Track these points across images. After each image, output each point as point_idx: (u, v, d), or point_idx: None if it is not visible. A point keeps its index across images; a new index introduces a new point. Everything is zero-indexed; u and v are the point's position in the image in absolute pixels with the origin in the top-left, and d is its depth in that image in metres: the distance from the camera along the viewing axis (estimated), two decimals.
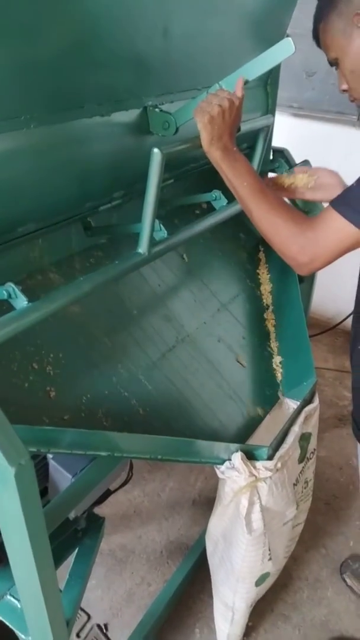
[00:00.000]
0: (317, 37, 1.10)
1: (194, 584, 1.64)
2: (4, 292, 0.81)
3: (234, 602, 1.31)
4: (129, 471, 1.50)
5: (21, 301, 0.81)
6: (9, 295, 0.81)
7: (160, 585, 1.61)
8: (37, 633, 1.00)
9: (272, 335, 1.59)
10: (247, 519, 1.16)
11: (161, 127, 1.11)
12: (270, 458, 1.16)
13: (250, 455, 1.17)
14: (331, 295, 2.85)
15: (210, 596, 1.43)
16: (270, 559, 1.24)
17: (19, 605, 1.06)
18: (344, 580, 1.74)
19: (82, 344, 1.12)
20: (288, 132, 2.33)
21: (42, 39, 0.83)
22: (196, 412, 1.27)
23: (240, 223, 1.69)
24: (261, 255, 1.76)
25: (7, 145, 0.85)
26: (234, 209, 1.30)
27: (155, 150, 0.91)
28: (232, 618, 1.35)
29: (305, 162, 1.77)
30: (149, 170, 0.93)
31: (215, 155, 1.02)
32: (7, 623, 1.10)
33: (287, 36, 1.04)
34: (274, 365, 1.54)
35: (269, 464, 1.15)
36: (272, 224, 1.02)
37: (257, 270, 1.73)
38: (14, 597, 1.09)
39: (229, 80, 0.99)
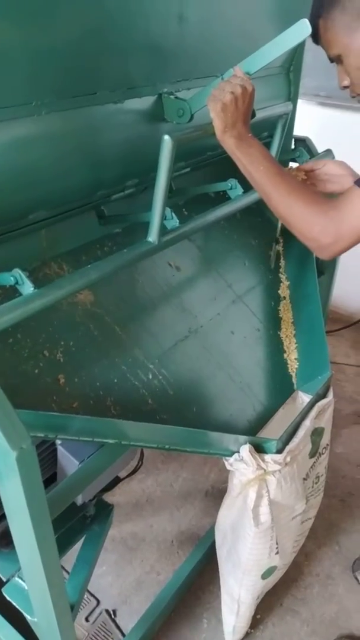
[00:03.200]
0: (316, 34, 1.02)
1: (203, 575, 1.65)
2: (11, 278, 0.81)
3: (239, 594, 1.31)
4: (139, 460, 1.51)
5: (28, 287, 0.81)
6: (16, 281, 0.82)
7: (170, 575, 1.62)
8: (42, 615, 1.02)
9: (288, 328, 1.57)
10: (255, 512, 1.15)
11: (176, 114, 1.10)
12: (279, 452, 1.15)
13: (260, 448, 1.15)
14: (354, 289, 2.79)
15: (220, 588, 1.43)
16: (277, 552, 1.23)
17: (25, 587, 1.08)
18: (356, 578, 1.71)
19: (93, 332, 1.13)
20: (313, 121, 2.28)
21: (53, 22, 0.82)
22: (206, 404, 1.26)
23: (260, 214, 1.66)
24: (280, 246, 1.73)
25: (17, 131, 0.85)
26: (250, 199, 1.28)
27: (166, 136, 0.90)
28: (237, 610, 1.35)
29: (328, 152, 1.72)
30: (160, 157, 0.92)
31: (230, 143, 1.00)
32: (15, 604, 1.12)
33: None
34: (289, 359, 1.51)
35: (278, 457, 1.14)
36: (291, 207, 0.99)
37: (276, 262, 1.71)
38: (21, 579, 1.11)
39: (244, 65, 0.97)
